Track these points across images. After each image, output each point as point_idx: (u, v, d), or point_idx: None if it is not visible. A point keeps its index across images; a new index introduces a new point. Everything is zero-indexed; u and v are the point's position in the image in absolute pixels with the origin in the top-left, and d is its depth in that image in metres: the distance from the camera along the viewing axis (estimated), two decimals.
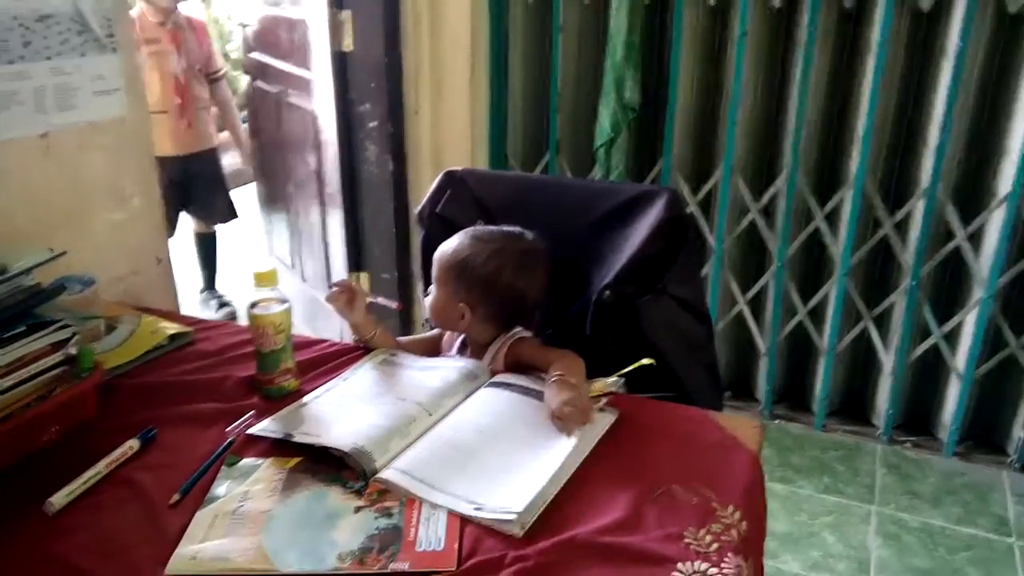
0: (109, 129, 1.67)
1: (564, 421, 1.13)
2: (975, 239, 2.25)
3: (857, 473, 2.34)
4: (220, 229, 3.56)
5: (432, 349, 1.48)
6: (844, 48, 2.30)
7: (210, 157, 3.33)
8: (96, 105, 1.64)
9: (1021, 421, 2.33)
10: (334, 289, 1.33)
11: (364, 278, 2.76)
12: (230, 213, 3.46)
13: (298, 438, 1.10)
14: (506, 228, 1.39)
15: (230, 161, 3.81)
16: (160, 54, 2.98)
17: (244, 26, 3.21)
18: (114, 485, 1.04)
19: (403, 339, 1.48)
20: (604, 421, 1.17)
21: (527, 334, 1.38)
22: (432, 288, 1.38)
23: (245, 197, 4.36)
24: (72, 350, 1.17)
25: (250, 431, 1.13)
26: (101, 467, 1.05)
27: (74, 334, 1.17)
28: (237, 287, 3.70)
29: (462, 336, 1.43)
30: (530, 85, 2.67)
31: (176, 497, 1.00)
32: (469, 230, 1.38)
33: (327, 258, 2.86)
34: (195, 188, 3.30)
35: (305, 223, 2.98)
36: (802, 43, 2.24)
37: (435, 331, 1.51)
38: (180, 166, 3.17)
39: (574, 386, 1.18)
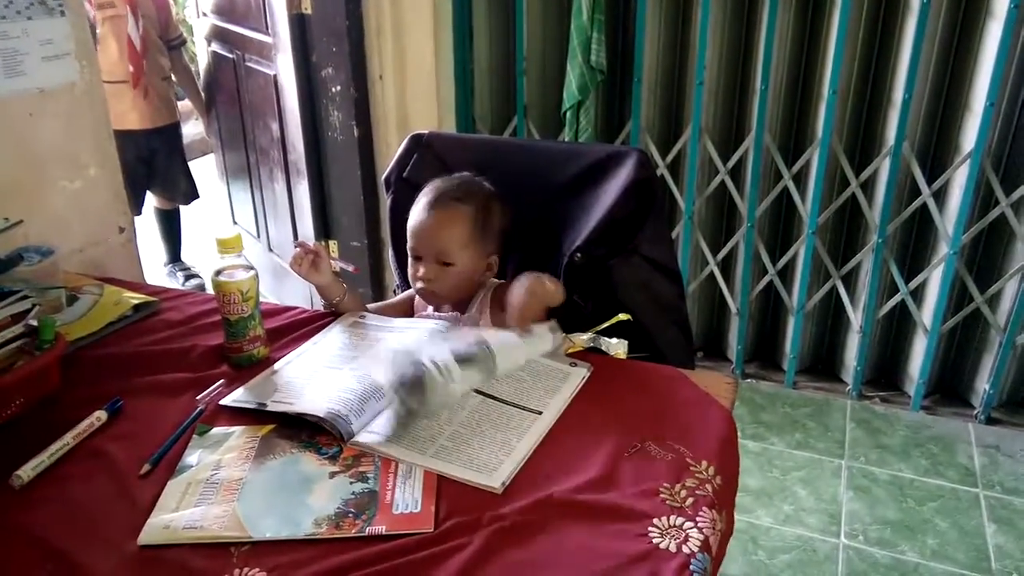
0: (60, 96, 1.62)
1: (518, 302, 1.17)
2: (940, 196, 2.27)
3: (827, 428, 2.38)
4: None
5: (405, 313, 1.47)
6: (808, 7, 2.30)
7: (173, 132, 3.23)
8: (46, 71, 1.58)
9: (985, 374, 2.38)
10: (297, 251, 1.29)
11: (333, 246, 2.73)
12: (193, 194, 3.38)
13: (272, 407, 1.09)
14: (456, 175, 1.40)
15: (192, 131, 3.72)
16: (116, 19, 2.87)
17: None
18: (82, 457, 1.02)
19: (373, 305, 1.47)
20: (576, 376, 1.17)
21: (501, 281, 1.40)
22: (430, 266, 1.32)
23: (208, 167, 4.28)
24: (33, 321, 1.14)
25: (223, 402, 1.11)
26: (68, 439, 1.02)
27: (34, 305, 1.14)
28: (203, 259, 3.64)
29: None
30: (496, 48, 2.63)
31: (147, 467, 0.99)
32: (438, 192, 1.36)
33: (294, 227, 2.81)
34: (158, 165, 3.21)
35: (270, 192, 2.92)
36: (767, 2, 2.22)
37: (406, 294, 1.50)
38: (144, 141, 3.08)
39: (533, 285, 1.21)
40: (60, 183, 1.65)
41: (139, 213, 3.25)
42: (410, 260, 1.36)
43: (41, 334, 1.14)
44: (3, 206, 1.43)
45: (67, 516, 0.92)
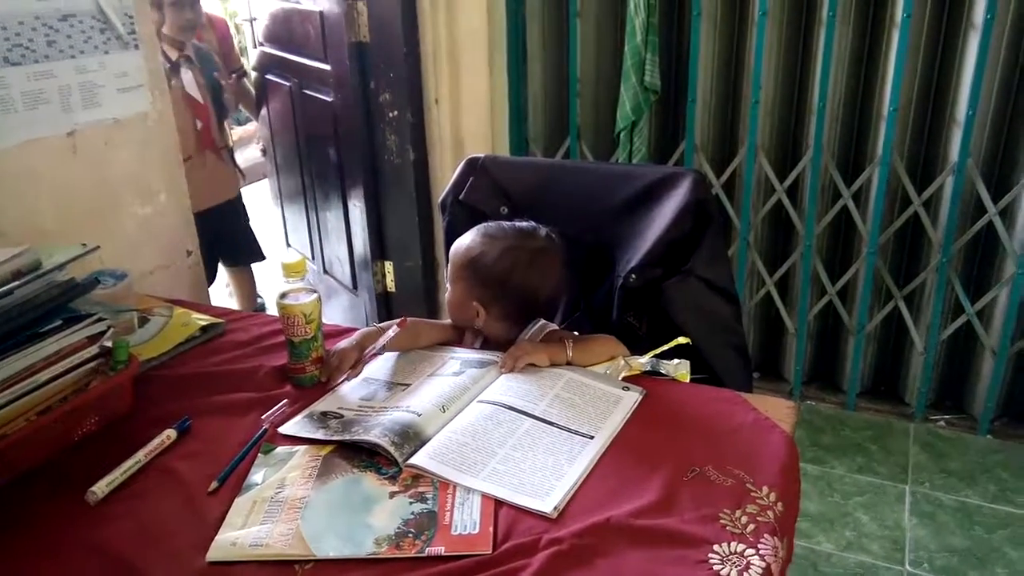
0: (134, 125, 1.69)
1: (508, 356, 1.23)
2: (1006, 213, 2.21)
3: (890, 452, 2.31)
4: None
5: (453, 334, 1.44)
6: (867, 24, 2.26)
7: (235, 207, 3.03)
8: (121, 102, 1.65)
9: None
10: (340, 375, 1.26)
11: (389, 267, 2.77)
12: (259, 255, 3.21)
13: (330, 436, 1.11)
14: (520, 223, 1.37)
15: (252, 155, 3.81)
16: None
17: (252, 20, 3.20)
18: (153, 474, 1.06)
19: (422, 321, 1.46)
20: (629, 400, 1.17)
21: (553, 326, 1.37)
22: (448, 284, 1.37)
23: (263, 192, 4.35)
24: (107, 343, 1.19)
25: (281, 430, 1.13)
26: (140, 456, 1.06)
27: (109, 327, 1.19)
28: (260, 280, 3.72)
29: None
30: (549, 70, 2.66)
31: (214, 485, 1.02)
32: (482, 226, 1.36)
33: (350, 248, 2.87)
34: (224, 239, 2.96)
35: (325, 214, 2.99)
36: (824, 20, 2.20)
37: None
38: (215, 216, 2.79)
39: (546, 344, 1.27)
40: (132, 208, 1.71)
41: (211, 282, 2.84)
42: None
43: (115, 355, 1.19)
44: (80, 233, 1.49)
45: (139, 531, 0.96)
